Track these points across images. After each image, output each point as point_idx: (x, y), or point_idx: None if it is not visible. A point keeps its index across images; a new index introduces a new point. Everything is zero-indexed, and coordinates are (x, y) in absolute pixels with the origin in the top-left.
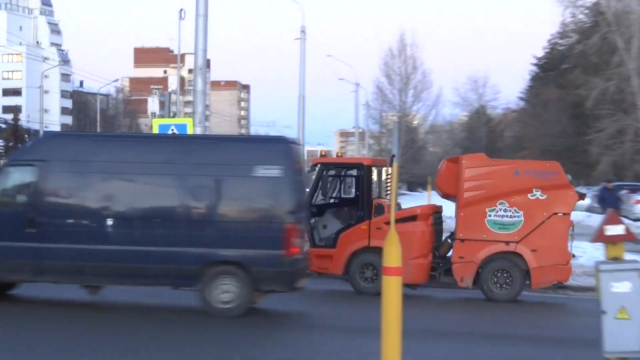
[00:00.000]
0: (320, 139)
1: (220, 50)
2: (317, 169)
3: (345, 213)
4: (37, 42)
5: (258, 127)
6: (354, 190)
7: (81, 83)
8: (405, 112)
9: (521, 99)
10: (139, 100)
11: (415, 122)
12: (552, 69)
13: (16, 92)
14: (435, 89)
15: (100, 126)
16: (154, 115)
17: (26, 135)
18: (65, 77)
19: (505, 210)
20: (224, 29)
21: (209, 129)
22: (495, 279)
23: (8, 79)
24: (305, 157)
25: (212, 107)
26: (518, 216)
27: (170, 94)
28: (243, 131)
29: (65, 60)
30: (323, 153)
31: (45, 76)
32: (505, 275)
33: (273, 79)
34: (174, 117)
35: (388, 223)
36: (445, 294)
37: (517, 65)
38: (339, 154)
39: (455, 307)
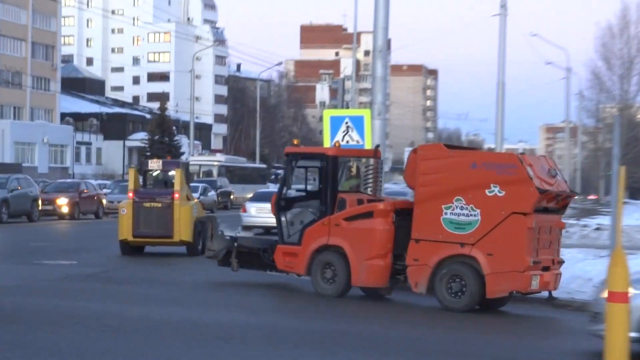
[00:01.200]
0: (523, 135)
1: (403, 29)
2: (286, 159)
3: (313, 207)
4: (188, 19)
5: (447, 120)
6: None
7: (238, 67)
8: (628, 104)
9: None
10: (306, 87)
11: None
12: None
13: (163, 77)
14: None
15: (259, 117)
16: (323, 105)
17: (174, 128)
18: (220, 59)
19: (461, 208)
20: (407, 3)
21: (389, 121)
22: (449, 285)
23: (154, 61)
24: None
25: (392, 95)
26: (475, 215)
27: (343, 80)
28: (429, 124)
29: (220, 40)
30: (295, 142)
31: (197, 58)
32: (458, 280)
33: (466, 63)
34: (347, 107)
35: (347, 219)
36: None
37: None
38: (296, 142)
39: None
